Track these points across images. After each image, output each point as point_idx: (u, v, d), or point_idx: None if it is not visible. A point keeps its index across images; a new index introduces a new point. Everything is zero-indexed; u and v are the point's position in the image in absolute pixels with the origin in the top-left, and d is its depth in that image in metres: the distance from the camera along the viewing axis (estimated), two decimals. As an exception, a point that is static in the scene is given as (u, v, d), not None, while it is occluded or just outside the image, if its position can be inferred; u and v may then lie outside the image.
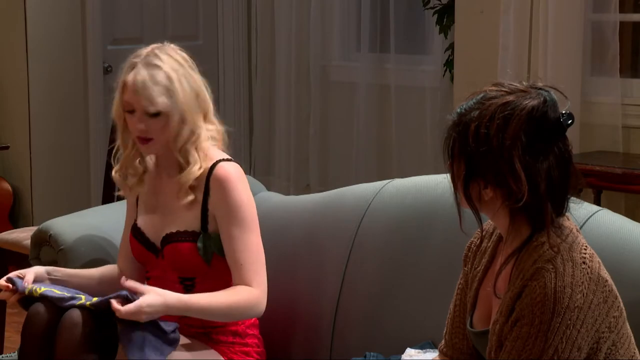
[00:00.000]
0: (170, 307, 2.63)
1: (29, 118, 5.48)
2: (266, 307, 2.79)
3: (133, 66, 2.75)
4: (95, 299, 2.63)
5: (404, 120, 5.59)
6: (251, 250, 2.74)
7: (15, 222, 5.48)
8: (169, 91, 2.72)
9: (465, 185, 2.06)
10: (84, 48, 5.64)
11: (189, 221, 2.78)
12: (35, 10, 5.44)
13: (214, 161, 2.77)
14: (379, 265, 2.85)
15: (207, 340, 2.80)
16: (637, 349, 2.09)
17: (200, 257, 2.75)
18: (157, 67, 2.73)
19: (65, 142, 5.58)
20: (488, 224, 2.23)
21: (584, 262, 2.01)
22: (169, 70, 2.73)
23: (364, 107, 5.76)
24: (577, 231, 2.09)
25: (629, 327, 2.08)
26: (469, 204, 2.09)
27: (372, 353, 2.71)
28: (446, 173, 2.13)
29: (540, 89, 2.07)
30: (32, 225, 4.79)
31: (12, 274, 2.74)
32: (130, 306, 2.56)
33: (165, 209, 2.83)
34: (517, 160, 1.99)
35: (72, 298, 2.64)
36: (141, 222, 2.87)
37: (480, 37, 4.72)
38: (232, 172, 2.77)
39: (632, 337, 2.09)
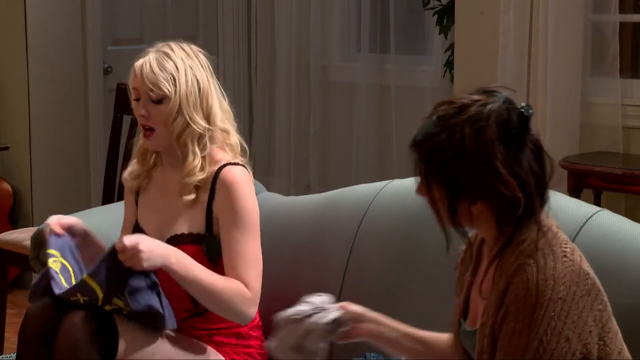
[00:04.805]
0: (170, 255, 2.64)
1: (29, 118, 5.47)
2: (267, 308, 2.79)
3: (145, 55, 2.78)
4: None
5: (404, 120, 5.58)
6: (247, 255, 2.73)
7: (15, 222, 5.47)
8: (174, 79, 2.74)
9: (451, 208, 2.06)
10: (84, 48, 5.63)
11: (194, 223, 2.78)
12: (36, 10, 5.44)
13: (221, 164, 2.77)
14: (379, 265, 2.85)
15: (209, 342, 2.80)
16: (624, 345, 2.09)
17: (206, 259, 2.75)
18: (167, 54, 2.78)
19: (65, 142, 5.58)
20: (472, 233, 2.23)
21: (564, 255, 2.02)
22: (177, 59, 2.77)
23: (364, 107, 5.76)
24: (557, 228, 2.10)
25: (615, 322, 2.08)
26: (455, 226, 2.09)
27: (372, 353, 2.71)
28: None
29: (490, 91, 2.08)
30: (32, 226, 4.79)
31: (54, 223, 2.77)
32: (132, 238, 2.61)
33: (169, 210, 2.83)
34: (501, 165, 2.01)
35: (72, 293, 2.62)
36: (144, 223, 2.87)
37: (480, 37, 4.72)
38: (239, 176, 2.76)
39: (619, 333, 2.09)
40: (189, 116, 2.75)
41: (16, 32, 5.46)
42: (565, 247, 2.04)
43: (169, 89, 2.74)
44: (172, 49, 2.79)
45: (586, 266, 2.05)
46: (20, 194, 5.53)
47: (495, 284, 2.06)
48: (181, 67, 2.76)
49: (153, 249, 2.61)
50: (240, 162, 2.81)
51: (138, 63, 2.77)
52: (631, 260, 2.39)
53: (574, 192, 4.16)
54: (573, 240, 2.46)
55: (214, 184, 2.76)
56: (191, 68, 2.78)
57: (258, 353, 2.84)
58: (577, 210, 2.55)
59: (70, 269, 2.70)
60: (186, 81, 2.76)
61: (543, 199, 2.07)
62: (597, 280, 2.05)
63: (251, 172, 2.84)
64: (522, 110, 2.05)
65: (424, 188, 2.09)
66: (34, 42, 5.45)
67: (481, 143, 2.01)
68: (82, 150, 5.67)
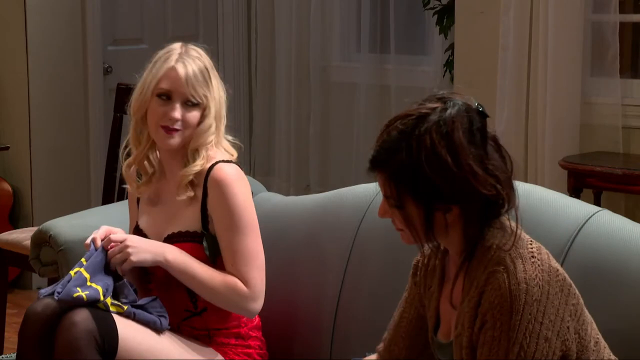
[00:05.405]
0: (165, 253, 2.71)
1: (29, 118, 5.47)
2: (267, 308, 2.79)
3: (169, 57, 2.77)
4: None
5: (404, 120, 5.58)
6: (245, 253, 2.74)
7: (15, 222, 5.47)
8: (208, 85, 2.76)
9: (428, 220, 2.04)
10: (84, 48, 5.63)
11: (190, 221, 2.78)
12: (35, 10, 5.44)
13: (213, 161, 2.78)
14: (379, 265, 2.85)
15: (209, 342, 2.80)
16: (600, 335, 2.10)
17: (205, 256, 2.76)
18: (200, 60, 2.79)
19: (65, 142, 5.58)
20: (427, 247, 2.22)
21: (532, 256, 2.02)
22: (208, 66, 2.80)
23: (364, 108, 5.76)
24: (519, 229, 2.08)
25: (587, 313, 2.08)
26: (430, 240, 2.09)
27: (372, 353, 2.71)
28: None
29: (441, 97, 2.07)
30: (32, 226, 4.79)
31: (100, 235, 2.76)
32: (119, 235, 2.72)
33: (166, 209, 2.83)
34: (475, 166, 2.00)
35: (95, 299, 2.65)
36: (143, 223, 2.88)
37: (480, 38, 4.72)
38: (230, 174, 2.76)
39: (594, 323, 2.10)
40: (216, 124, 2.78)
41: (16, 32, 5.46)
42: (532, 247, 2.04)
43: (208, 96, 2.76)
44: (200, 55, 2.81)
45: (554, 263, 2.05)
46: (20, 194, 5.53)
47: (466, 294, 2.06)
48: (213, 76, 2.80)
49: (140, 246, 2.71)
50: (233, 160, 2.82)
51: (179, 65, 2.75)
52: (631, 260, 2.38)
53: (574, 192, 4.16)
54: (573, 241, 2.46)
55: (206, 182, 2.76)
56: (216, 77, 2.81)
57: (257, 353, 2.84)
58: (577, 210, 2.55)
59: (88, 277, 2.71)
60: (218, 89, 2.80)
61: (515, 194, 2.06)
62: (567, 275, 2.05)
63: (240, 170, 2.84)
64: (481, 109, 2.05)
65: (396, 206, 2.06)
66: (34, 42, 5.45)
67: (453, 147, 2.00)
68: (82, 150, 5.67)
